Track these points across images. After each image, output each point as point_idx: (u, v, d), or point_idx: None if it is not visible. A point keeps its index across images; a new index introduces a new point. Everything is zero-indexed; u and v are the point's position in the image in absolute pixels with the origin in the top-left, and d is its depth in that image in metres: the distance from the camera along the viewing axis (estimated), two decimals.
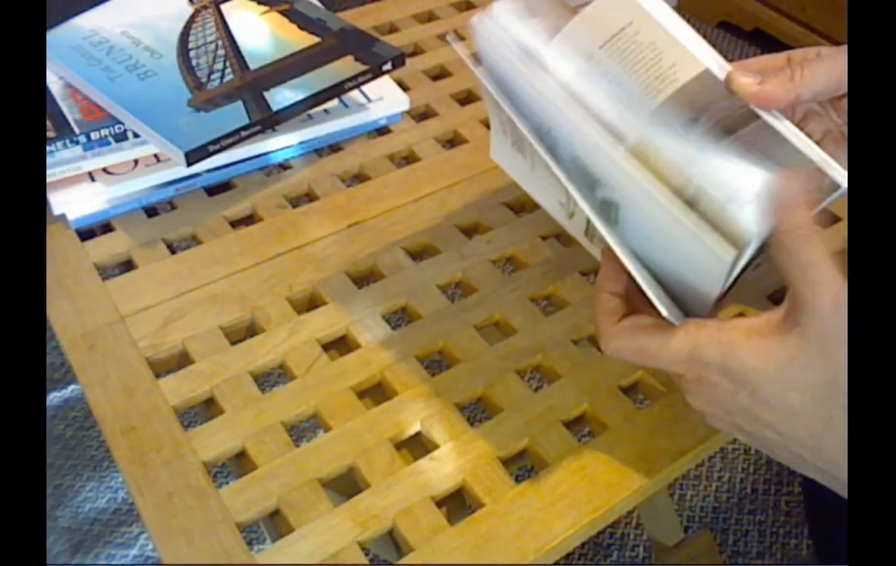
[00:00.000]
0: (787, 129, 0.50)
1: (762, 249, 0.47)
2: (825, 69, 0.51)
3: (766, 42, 2.19)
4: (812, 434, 0.43)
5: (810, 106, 0.55)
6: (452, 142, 0.78)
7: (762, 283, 0.64)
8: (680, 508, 1.26)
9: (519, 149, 0.55)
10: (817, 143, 0.51)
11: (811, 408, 0.43)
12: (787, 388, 0.43)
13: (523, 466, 0.55)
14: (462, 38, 0.95)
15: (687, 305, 0.49)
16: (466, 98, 0.83)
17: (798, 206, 0.43)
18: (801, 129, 0.51)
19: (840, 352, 0.42)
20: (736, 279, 0.48)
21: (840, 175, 0.48)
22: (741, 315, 0.61)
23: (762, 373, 0.43)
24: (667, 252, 0.49)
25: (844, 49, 0.50)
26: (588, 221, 0.53)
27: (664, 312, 0.46)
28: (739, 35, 2.24)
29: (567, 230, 0.56)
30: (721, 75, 0.50)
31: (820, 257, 0.42)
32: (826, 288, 0.42)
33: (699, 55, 0.51)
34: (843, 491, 0.44)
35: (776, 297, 0.64)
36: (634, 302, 0.50)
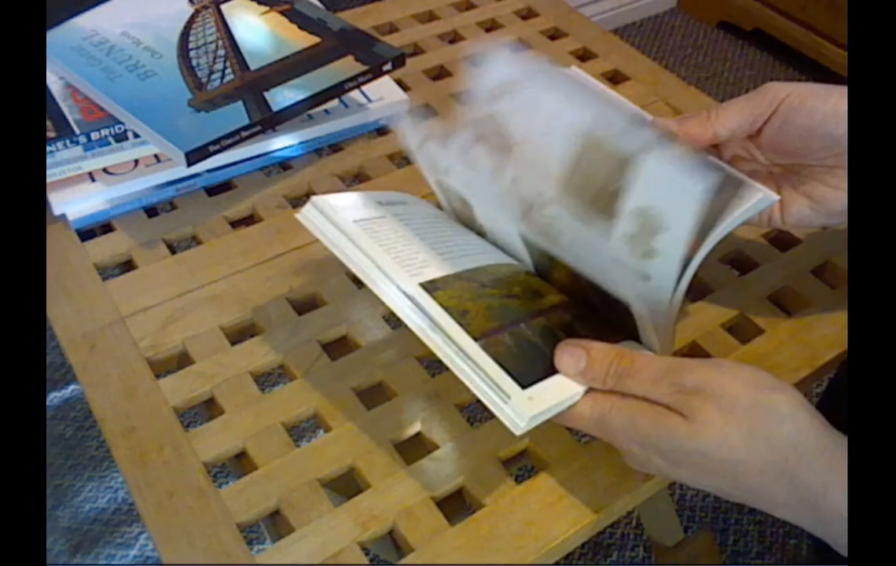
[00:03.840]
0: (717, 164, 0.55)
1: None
2: (738, 108, 0.55)
3: (766, 42, 2.19)
4: (727, 484, 0.45)
5: (736, 151, 0.58)
6: None
7: (762, 284, 0.64)
8: (680, 508, 1.26)
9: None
10: None
11: (718, 468, 0.45)
12: (694, 454, 0.45)
13: (523, 466, 0.55)
14: (462, 38, 0.94)
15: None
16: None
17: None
18: None
19: (736, 449, 0.44)
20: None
21: (766, 194, 0.52)
22: (741, 314, 0.62)
23: (666, 443, 0.45)
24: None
25: (757, 90, 0.55)
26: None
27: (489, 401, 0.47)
28: (739, 35, 2.24)
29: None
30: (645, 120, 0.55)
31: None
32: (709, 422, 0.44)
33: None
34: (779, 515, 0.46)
35: (775, 297, 0.64)
36: None
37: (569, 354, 0.49)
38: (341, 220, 0.53)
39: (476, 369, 0.47)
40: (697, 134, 0.55)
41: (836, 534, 0.43)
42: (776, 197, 0.53)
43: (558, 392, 0.48)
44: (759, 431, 0.44)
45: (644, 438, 0.46)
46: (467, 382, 0.47)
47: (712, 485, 0.46)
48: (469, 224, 0.60)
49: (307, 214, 0.54)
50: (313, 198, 0.54)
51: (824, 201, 0.55)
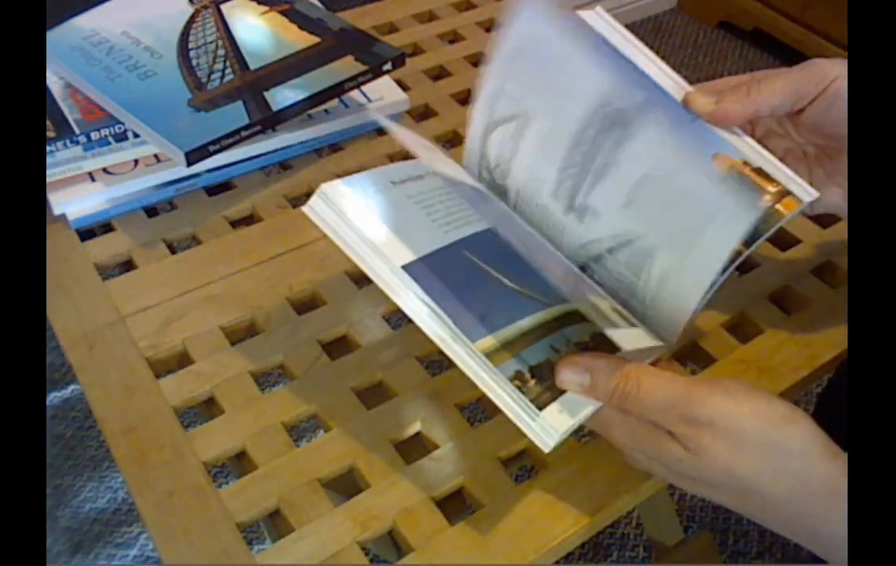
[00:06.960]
0: (748, 146, 0.50)
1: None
2: (782, 83, 0.51)
3: (766, 42, 2.19)
4: (729, 499, 0.46)
5: (770, 125, 0.55)
6: (452, 141, 0.78)
7: (762, 284, 0.64)
8: (680, 508, 1.26)
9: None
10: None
11: (722, 487, 0.45)
12: (698, 478, 0.45)
13: (523, 466, 0.55)
14: (462, 38, 0.94)
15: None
16: (466, 98, 0.83)
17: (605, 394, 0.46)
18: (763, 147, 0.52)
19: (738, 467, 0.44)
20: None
21: (804, 191, 0.48)
22: (741, 314, 0.62)
23: (668, 462, 0.46)
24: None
25: (803, 65, 0.51)
26: None
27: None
28: (739, 35, 2.24)
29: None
30: (680, 96, 0.51)
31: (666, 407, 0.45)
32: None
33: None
34: (775, 529, 0.46)
35: (776, 297, 0.64)
36: None
37: (570, 371, 0.47)
38: (352, 216, 0.50)
39: (500, 384, 0.46)
40: (736, 112, 0.50)
41: (834, 553, 0.43)
42: (814, 196, 0.49)
43: (582, 402, 0.47)
44: (767, 467, 0.43)
45: (645, 451, 0.46)
46: (492, 396, 0.46)
47: (715, 498, 0.46)
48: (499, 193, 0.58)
49: (315, 208, 0.50)
50: (323, 187, 0.50)
51: None
